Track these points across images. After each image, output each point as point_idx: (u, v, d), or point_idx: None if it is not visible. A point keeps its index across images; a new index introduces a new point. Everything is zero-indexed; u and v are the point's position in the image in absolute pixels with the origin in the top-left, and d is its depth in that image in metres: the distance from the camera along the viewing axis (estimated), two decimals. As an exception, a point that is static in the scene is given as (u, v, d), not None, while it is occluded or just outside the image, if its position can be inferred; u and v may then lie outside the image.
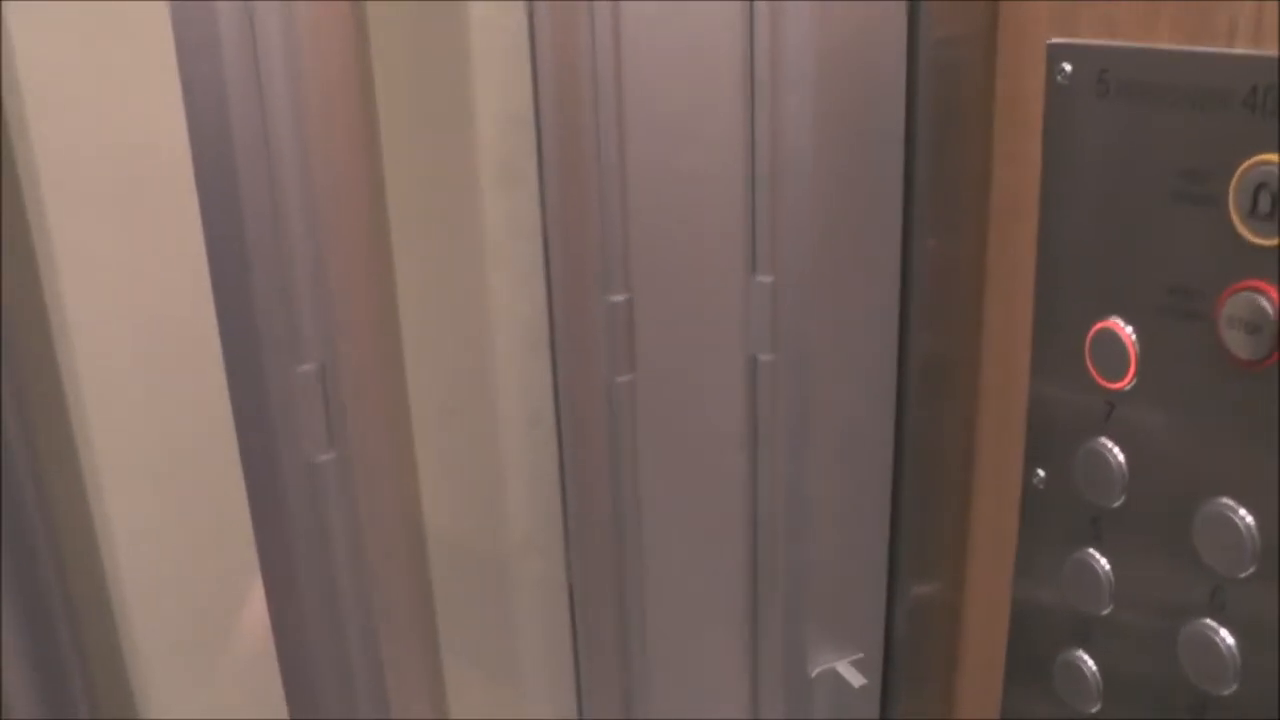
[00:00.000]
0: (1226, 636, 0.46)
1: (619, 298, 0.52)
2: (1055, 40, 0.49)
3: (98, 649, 0.51)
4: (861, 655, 0.63)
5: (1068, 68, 0.49)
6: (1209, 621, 0.47)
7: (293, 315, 0.45)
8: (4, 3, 0.43)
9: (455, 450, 0.58)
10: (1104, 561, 0.51)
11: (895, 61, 0.53)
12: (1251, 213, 0.42)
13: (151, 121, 0.47)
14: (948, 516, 0.61)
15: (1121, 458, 0.49)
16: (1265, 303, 0.42)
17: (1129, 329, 0.48)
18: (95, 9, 0.45)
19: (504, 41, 0.52)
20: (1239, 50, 0.43)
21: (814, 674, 0.62)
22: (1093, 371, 0.50)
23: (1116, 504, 0.50)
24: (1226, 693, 0.46)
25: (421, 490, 0.53)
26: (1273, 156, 0.41)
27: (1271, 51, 0.41)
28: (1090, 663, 0.53)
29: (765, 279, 0.55)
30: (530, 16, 0.50)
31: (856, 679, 0.62)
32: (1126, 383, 0.49)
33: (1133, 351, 0.48)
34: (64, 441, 0.49)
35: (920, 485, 0.60)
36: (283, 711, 0.51)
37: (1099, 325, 0.49)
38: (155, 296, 0.49)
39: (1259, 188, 0.42)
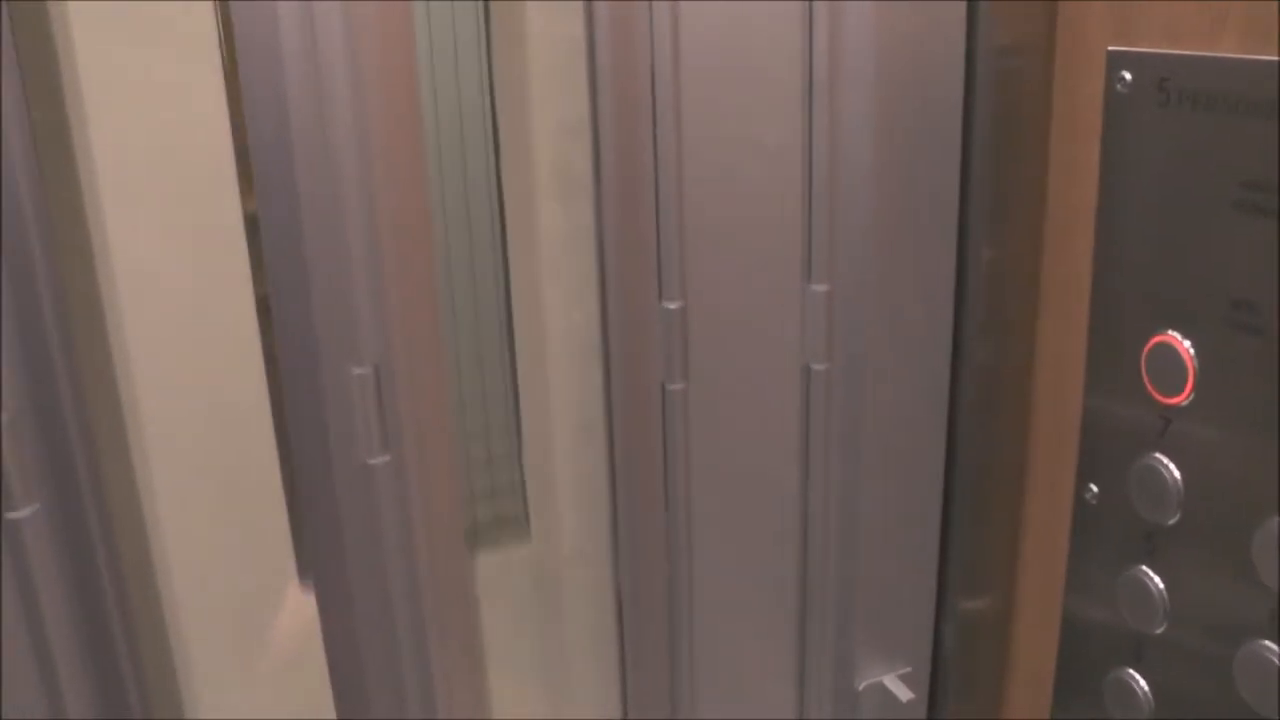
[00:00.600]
0: (1286, 659, 0.45)
1: (674, 305, 0.52)
2: (1115, 48, 0.49)
3: (150, 651, 0.52)
4: (910, 669, 0.62)
5: (1127, 76, 0.48)
6: (1267, 644, 0.46)
7: (349, 318, 0.46)
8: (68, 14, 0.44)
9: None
10: (1158, 579, 0.50)
11: (953, 68, 0.53)
12: (1315, 225, 0.41)
13: (212, 128, 0.47)
14: (999, 530, 0.60)
15: (1177, 474, 0.49)
16: (1329, 317, 0.41)
17: (1187, 343, 0.47)
18: (152, 14, 0.46)
19: (561, 51, 0.52)
20: (1304, 59, 0.42)
21: (861, 687, 0.61)
22: (1149, 386, 0.49)
23: (1172, 521, 0.49)
24: (1285, 716, 0.45)
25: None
26: (1338, 167, 0.40)
27: (1338, 61, 0.41)
28: (1142, 682, 0.52)
29: (820, 288, 0.55)
30: (588, 25, 0.50)
31: (904, 693, 0.61)
32: (1184, 398, 0.48)
33: (1191, 366, 0.47)
34: (118, 444, 0.50)
35: (971, 498, 0.59)
36: (329, 712, 0.51)
37: (1156, 338, 0.48)
38: (212, 300, 0.50)
39: (1323, 200, 0.41)
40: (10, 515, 0.44)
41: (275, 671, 0.55)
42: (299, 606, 0.54)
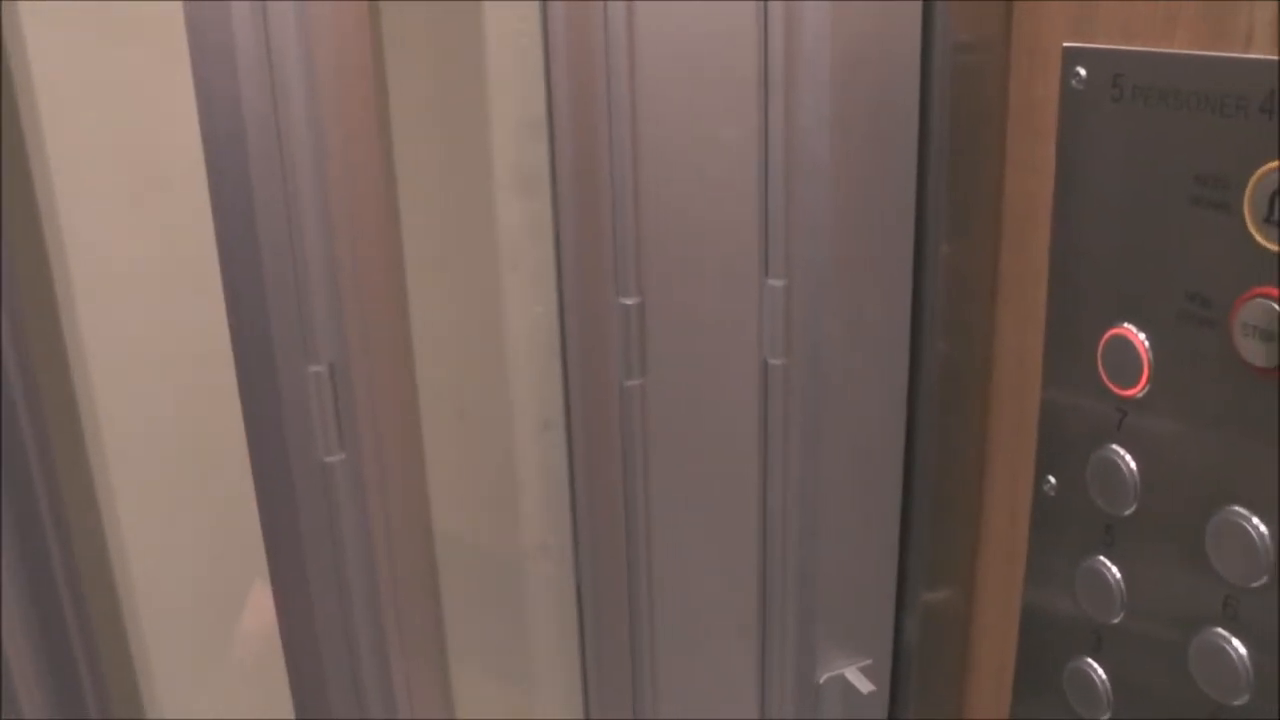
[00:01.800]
0: (1239, 646, 0.46)
1: (631, 301, 0.52)
2: (1070, 44, 0.49)
3: (108, 650, 0.51)
4: (870, 661, 0.63)
5: (1082, 72, 0.48)
6: (1221, 631, 0.46)
7: (304, 315, 0.45)
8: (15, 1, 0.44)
9: (467, 452, 0.58)
10: (1115, 570, 0.51)
11: (909, 65, 0.53)
12: (1267, 219, 0.42)
13: (164, 121, 0.47)
14: (958, 522, 0.61)
15: (1134, 465, 0.49)
16: (1280, 309, 0.42)
17: (1142, 335, 0.48)
18: (109, 9, 0.45)
19: (518, 45, 0.52)
20: (1256, 55, 0.42)
21: (822, 680, 0.62)
22: (1105, 378, 0.50)
23: (1128, 512, 0.50)
24: (1238, 703, 0.46)
25: (432, 492, 0.53)
26: (1289, 163, 0.41)
27: (1288, 57, 0.41)
28: (1100, 671, 0.53)
29: (778, 283, 0.55)
30: (544, 20, 0.50)
31: (865, 685, 0.61)
32: (1139, 390, 0.48)
33: (1146, 358, 0.48)
34: (74, 441, 0.49)
35: (931, 491, 0.60)
36: (290, 713, 0.51)
37: (1112, 332, 0.49)
38: (166, 296, 0.50)
39: (1275, 194, 0.41)
40: (-38, 517, 0.43)
41: (238, 672, 0.55)
42: (263, 606, 0.53)
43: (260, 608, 0.54)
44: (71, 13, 0.45)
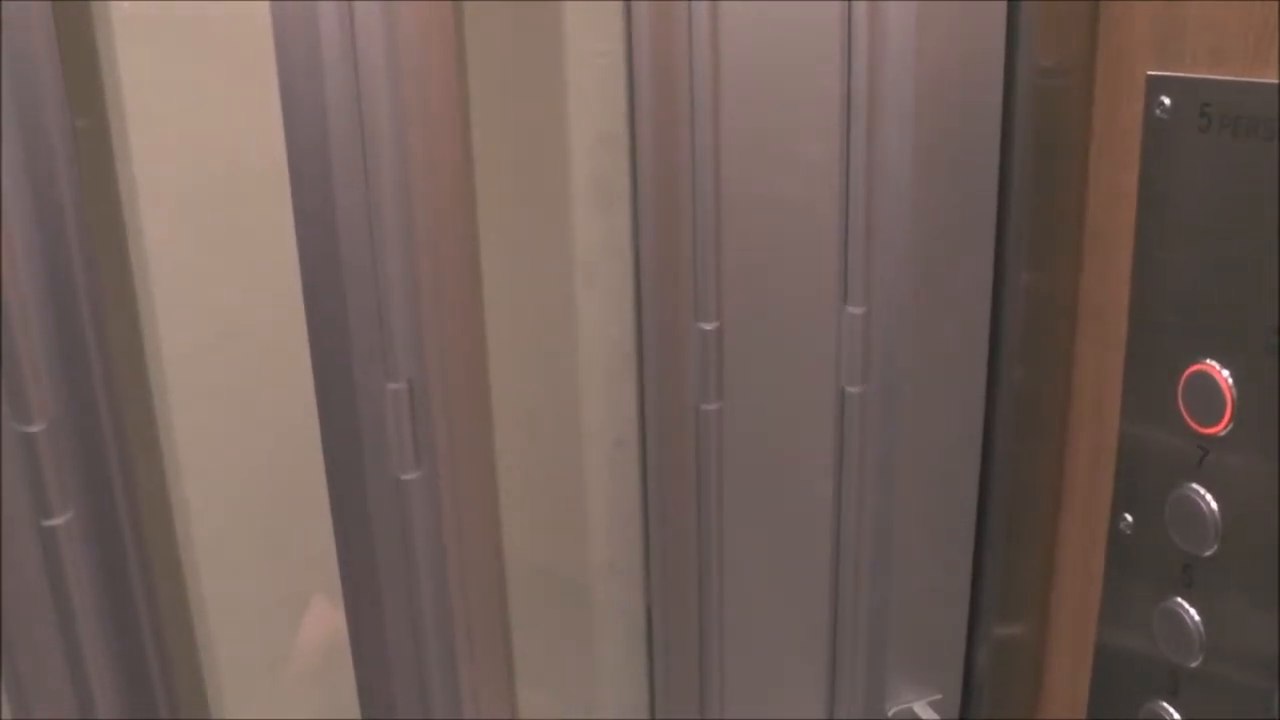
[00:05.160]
0: (1324, 694, 0.44)
1: (710, 326, 0.52)
2: (1154, 72, 0.48)
3: (179, 655, 0.52)
4: (940, 696, 0.62)
5: (1167, 101, 0.47)
6: (1306, 678, 0.45)
7: (385, 333, 0.46)
8: (112, 23, 0.45)
9: (537, 470, 0.58)
10: (1194, 611, 0.50)
11: (992, 89, 0.53)
12: (1358, 255, 0.41)
13: (250, 139, 0.48)
14: (1032, 557, 0.60)
15: (1214, 505, 0.48)
16: (1371, 348, 0.40)
17: (1225, 372, 0.47)
18: (199, 28, 0.47)
19: (599, 61, 0.52)
20: (1349, 87, 0.41)
21: (891, 713, 0.61)
22: (1186, 415, 0.48)
23: (1209, 552, 0.48)
24: (1322, 752, 0.45)
25: (501, 509, 0.54)
26: (1382, 197, 0.39)
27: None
28: (1177, 716, 0.51)
29: (857, 310, 0.54)
30: (628, 37, 0.50)
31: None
32: (1221, 428, 0.47)
33: (1229, 396, 0.46)
34: (151, 453, 0.50)
35: (1005, 524, 0.59)
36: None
37: (1194, 367, 0.48)
38: (247, 312, 0.51)
39: (1367, 229, 0.40)
40: (46, 522, 0.44)
41: (299, 679, 0.56)
42: (328, 616, 0.54)
43: (325, 618, 0.55)
44: (162, 31, 0.46)
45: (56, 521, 0.45)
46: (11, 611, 0.45)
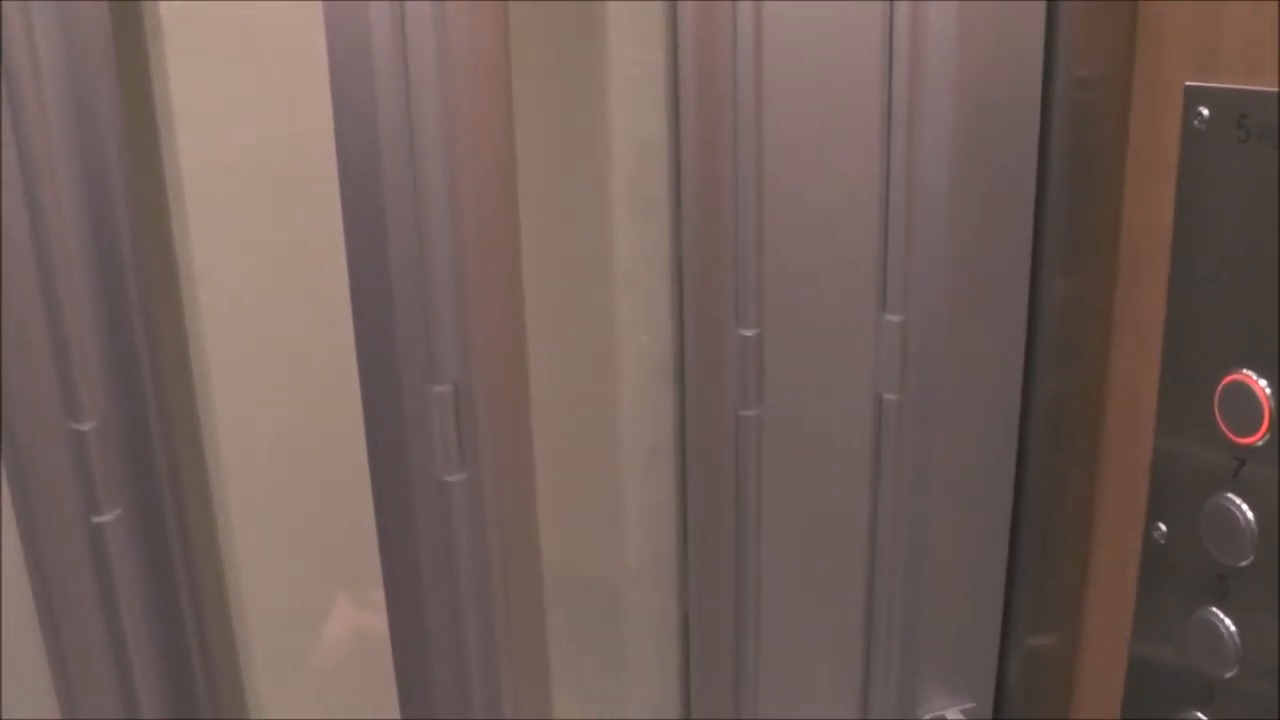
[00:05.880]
0: (1362, 707, 0.44)
1: (750, 332, 0.53)
2: (1192, 83, 0.48)
3: (221, 656, 0.53)
4: (973, 704, 0.62)
5: (1205, 112, 0.47)
6: (1343, 689, 0.45)
7: (431, 335, 0.46)
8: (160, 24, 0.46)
9: (574, 474, 0.58)
10: (1229, 622, 0.49)
11: (1030, 99, 0.53)
12: (1398, 266, 0.40)
13: (300, 142, 0.49)
14: (1066, 566, 0.60)
15: (1251, 516, 0.48)
16: None
17: (1263, 382, 0.47)
18: (247, 25, 0.47)
19: (640, 69, 0.53)
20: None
21: (923, 720, 0.61)
22: (1222, 425, 0.48)
23: (1244, 563, 0.48)
24: (1360, 765, 0.44)
25: (539, 512, 0.54)
26: None
27: None
28: (1212, 726, 0.51)
29: (895, 318, 0.55)
30: (673, 46, 0.50)
31: (966, 727, 0.61)
32: (1258, 438, 0.47)
33: (1266, 406, 0.46)
34: (196, 453, 0.51)
35: (1039, 533, 0.59)
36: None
37: (1230, 377, 0.48)
38: (294, 312, 0.51)
39: (1407, 240, 0.40)
40: (95, 519, 0.45)
41: (338, 677, 0.56)
42: (367, 615, 0.55)
43: (363, 617, 0.55)
44: (210, 38, 0.47)
45: (105, 518, 0.45)
46: (60, 608, 0.46)
